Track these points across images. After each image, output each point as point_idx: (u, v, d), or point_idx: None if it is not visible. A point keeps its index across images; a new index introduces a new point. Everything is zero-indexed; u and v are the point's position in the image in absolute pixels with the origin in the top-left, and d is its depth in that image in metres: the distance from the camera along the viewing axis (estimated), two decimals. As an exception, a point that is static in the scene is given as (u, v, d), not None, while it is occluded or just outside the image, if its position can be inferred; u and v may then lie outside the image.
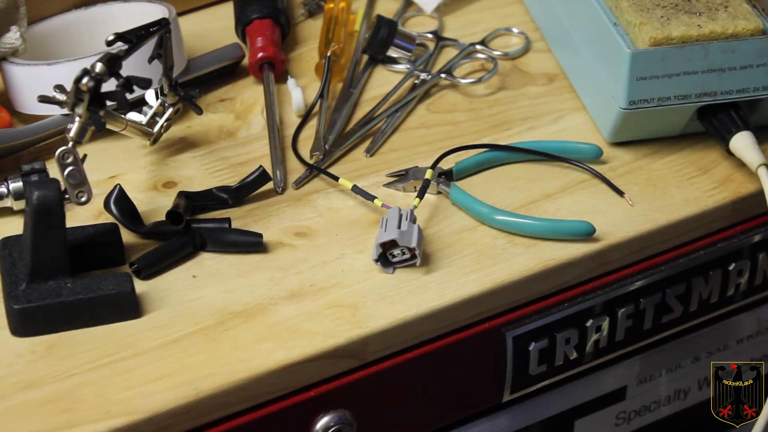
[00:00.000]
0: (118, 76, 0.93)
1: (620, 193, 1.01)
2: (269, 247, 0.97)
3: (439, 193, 1.02)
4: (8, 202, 0.97)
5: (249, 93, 1.13)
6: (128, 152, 1.06)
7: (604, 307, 1.00)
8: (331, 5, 1.19)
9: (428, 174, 1.00)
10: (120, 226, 0.96)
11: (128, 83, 0.94)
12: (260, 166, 1.01)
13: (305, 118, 1.09)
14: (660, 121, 1.04)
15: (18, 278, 0.91)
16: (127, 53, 0.96)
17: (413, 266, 0.95)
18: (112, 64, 0.93)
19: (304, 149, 1.06)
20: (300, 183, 1.03)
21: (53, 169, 0.93)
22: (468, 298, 0.93)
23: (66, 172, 0.92)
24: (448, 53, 1.17)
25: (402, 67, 1.15)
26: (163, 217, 0.97)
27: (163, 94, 1.04)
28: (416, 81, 1.13)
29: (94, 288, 0.90)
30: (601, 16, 1.04)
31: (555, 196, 1.02)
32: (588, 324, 0.99)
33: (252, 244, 0.96)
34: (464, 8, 1.23)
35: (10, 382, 0.86)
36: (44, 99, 0.95)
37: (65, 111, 0.94)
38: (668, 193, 1.02)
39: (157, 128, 1.04)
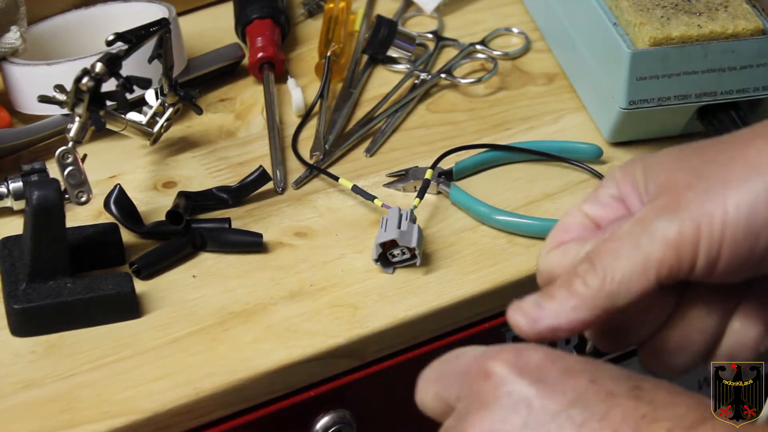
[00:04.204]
0: (118, 76, 0.93)
1: (620, 193, 1.01)
2: (269, 247, 0.97)
3: (439, 193, 1.02)
4: (8, 202, 0.97)
5: (249, 93, 1.13)
6: (128, 152, 1.06)
7: (604, 307, 0.99)
8: (331, 5, 1.19)
9: (428, 174, 1.00)
10: (120, 226, 0.96)
11: (128, 83, 0.94)
12: (260, 166, 1.01)
13: (305, 118, 1.09)
14: (660, 121, 1.04)
15: (18, 278, 0.91)
16: (127, 53, 0.96)
17: (413, 266, 0.95)
18: (112, 64, 0.93)
19: (304, 149, 1.06)
20: (300, 183, 1.03)
21: (53, 169, 0.93)
22: (468, 298, 0.93)
23: (66, 172, 0.92)
24: (448, 53, 1.17)
25: (402, 67, 1.15)
26: (163, 217, 0.97)
27: (163, 94, 1.04)
28: (416, 81, 1.13)
29: (94, 288, 0.90)
30: (601, 16, 1.04)
31: (555, 196, 1.02)
32: (588, 324, 0.99)
33: (252, 244, 0.96)
34: (464, 8, 1.23)
35: (10, 382, 0.86)
36: (44, 99, 0.95)
37: (65, 111, 0.94)
38: (668, 193, 1.02)
39: (157, 128, 1.04)
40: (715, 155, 0.66)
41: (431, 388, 0.67)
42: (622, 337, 0.70)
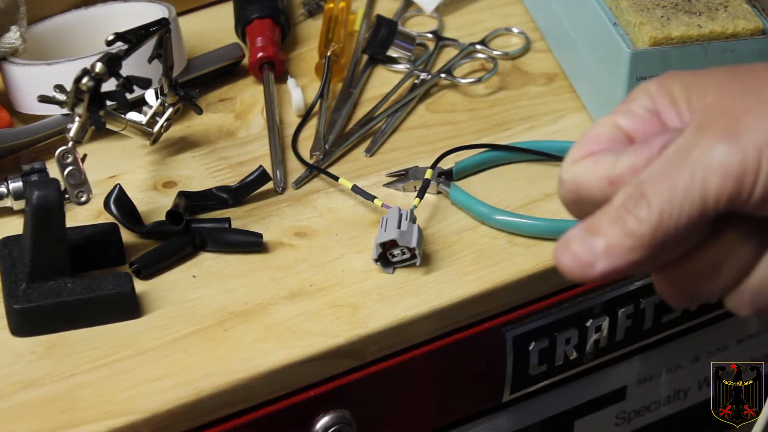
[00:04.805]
0: (118, 76, 0.93)
1: (620, 193, 1.01)
2: (269, 247, 0.97)
3: (439, 193, 1.02)
4: (8, 202, 0.97)
5: (249, 93, 1.13)
6: (128, 152, 1.06)
7: (604, 307, 1.00)
8: (331, 5, 1.19)
9: (428, 174, 1.00)
10: (120, 226, 0.96)
11: (128, 83, 0.94)
12: (260, 166, 1.01)
13: (305, 118, 1.09)
14: (660, 121, 1.04)
15: (18, 278, 0.91)
16: (127, 53, 0.96)
17: (413, 266, 0.95)
18: (112, 64, 0.93)
19: (304, 149, 1.06)
20: (300, 183, 1.03)
21: (53, 169, 0.93)
22: (468, 298, 0.93)
23: (66, 172, 0.92)
24: (448, 53, 1.17)
25: (402, 67, 1.15)
26: (163, 217, 0.97)
27: (163, 94, 1.04)
28: (416, 81, 1.13)
29: (94, 288, 0.90)
30: (601, 16, 1.04)
31: (555, 196, 1.02)
32: (588, 324, 0.99)
33: (252, 244, 0.96)
34: (464, 8, 1.23)
35: (10, 382, 0.86)
36: (44, 99, 0.95)
37: (65, 111, 0.94)
38: (668, 193, 1.02)
39: (157, 128, 1.04)
40: None
41: None
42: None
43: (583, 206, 0.65)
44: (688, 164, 0.61)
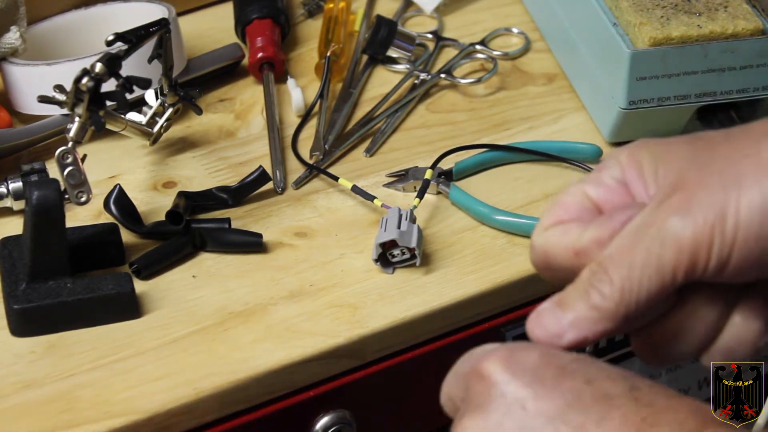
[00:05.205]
0: (117, 76, 0.93)
1: (620, 193, 1.01)
2: (269, 247, 0.97)
3: (439, 193, 1.02)
4: (8, 202, 0.97)
5: (249, 93, 1.13)
6: (128, 152, 1.06)
7: (604, 307, 1.00)
8: (331, 5, 1.19)
9: (428, 174, 1.00)
10: (120, 226, 0.96)
11: (128, 83, 0.94)
12: (260, 166, 1.01)
13: (305, 118, 1.09)
14: (660, 122, 1.04)
15: (18, 278, 0.91)
16: (127, 53, 0.96)
17: (413, 266, 0.95)
18: (112, 64, 0.93)
19: (304, 149, 1.06)
20: (300, 183, 1.03)
21: (53, 169, 0.93)
22: (468, 298, 0.93)
23: (66, 172, 0.92)
24: (448, 53, 1.17)
25: (402, 67, 1.15)
26: (163, 217, 0.97)
27: (162, 94, 1.04)
28: (416, 81, 1.13)
29: (94, 288, 0.90)
30: (601, 16, 1.04)
31: (555, 196, 1.02)
32: (588, 324, 0.99)
33: (252, 244, 0.96)
34: (464, 8, 1.23)
35: (10, 382, 0.86)
36: (44, 99, 0.95)
37: (65, 111, 0.94)
38: (668, 193, 1.02)
39: (156, 128, 1.04)
40: (728, 152, 0.64)
41: (444, 389, 0.66)
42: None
43: (553, 272, 0.68)
44: (645, 240, 0.63)
